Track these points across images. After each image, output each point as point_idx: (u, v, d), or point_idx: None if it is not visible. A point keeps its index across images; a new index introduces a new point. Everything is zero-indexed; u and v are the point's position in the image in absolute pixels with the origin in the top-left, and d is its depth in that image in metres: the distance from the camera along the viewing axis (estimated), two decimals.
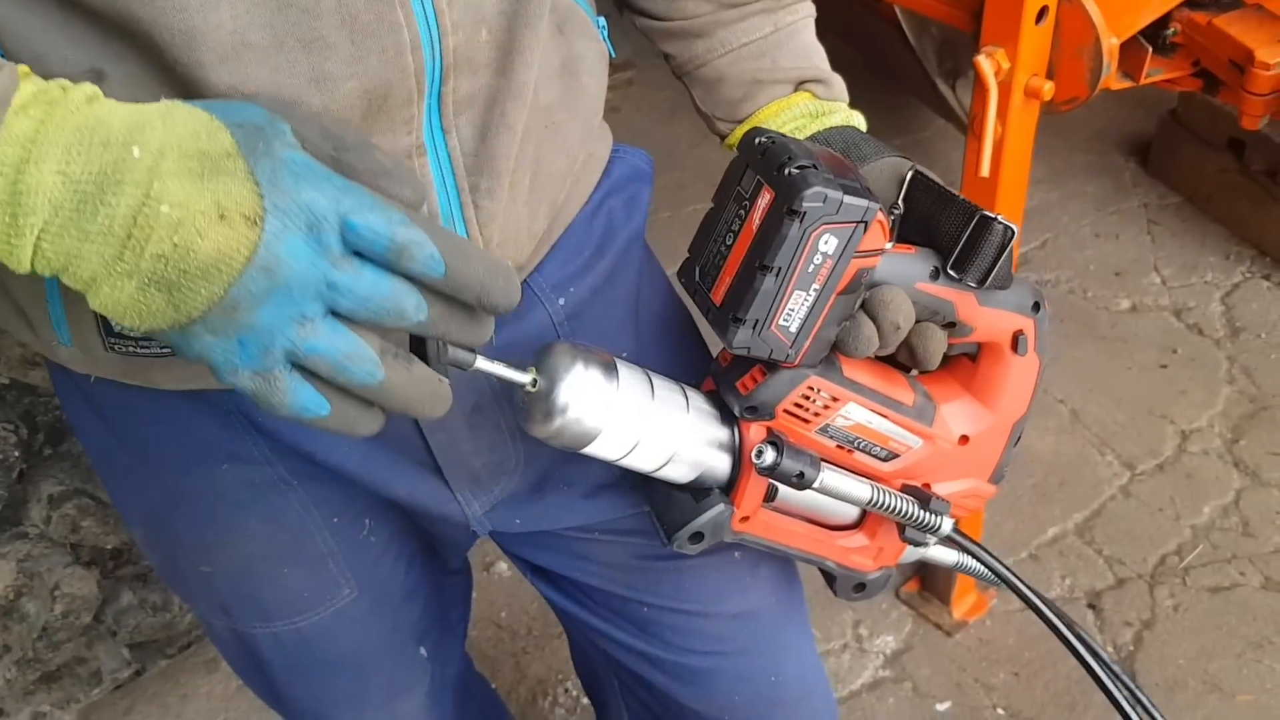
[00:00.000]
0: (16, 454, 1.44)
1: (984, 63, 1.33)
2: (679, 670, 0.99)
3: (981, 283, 0.76)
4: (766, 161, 0.69)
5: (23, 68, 0.53)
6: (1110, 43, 1.32)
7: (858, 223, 0.68)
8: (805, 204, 0.66)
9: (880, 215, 0.70)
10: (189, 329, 0.54)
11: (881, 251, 0.72)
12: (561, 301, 0.85)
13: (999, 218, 0.73)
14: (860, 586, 0.91)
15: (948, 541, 0.88)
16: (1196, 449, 2.18)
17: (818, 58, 0.89)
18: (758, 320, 0.70)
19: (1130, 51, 1.39)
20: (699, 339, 0.95)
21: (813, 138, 0.84)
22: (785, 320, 0.70)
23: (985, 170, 1.36)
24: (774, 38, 0.87)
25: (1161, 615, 1.91)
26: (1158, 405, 2.26)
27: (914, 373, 0.86)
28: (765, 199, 0.69)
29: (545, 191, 0.79)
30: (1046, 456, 2.19)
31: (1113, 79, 1.35)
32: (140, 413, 0.81)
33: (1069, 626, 0.93)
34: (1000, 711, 1.80)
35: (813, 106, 0.87)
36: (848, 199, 0.67)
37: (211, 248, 0.51)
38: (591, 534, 0.93)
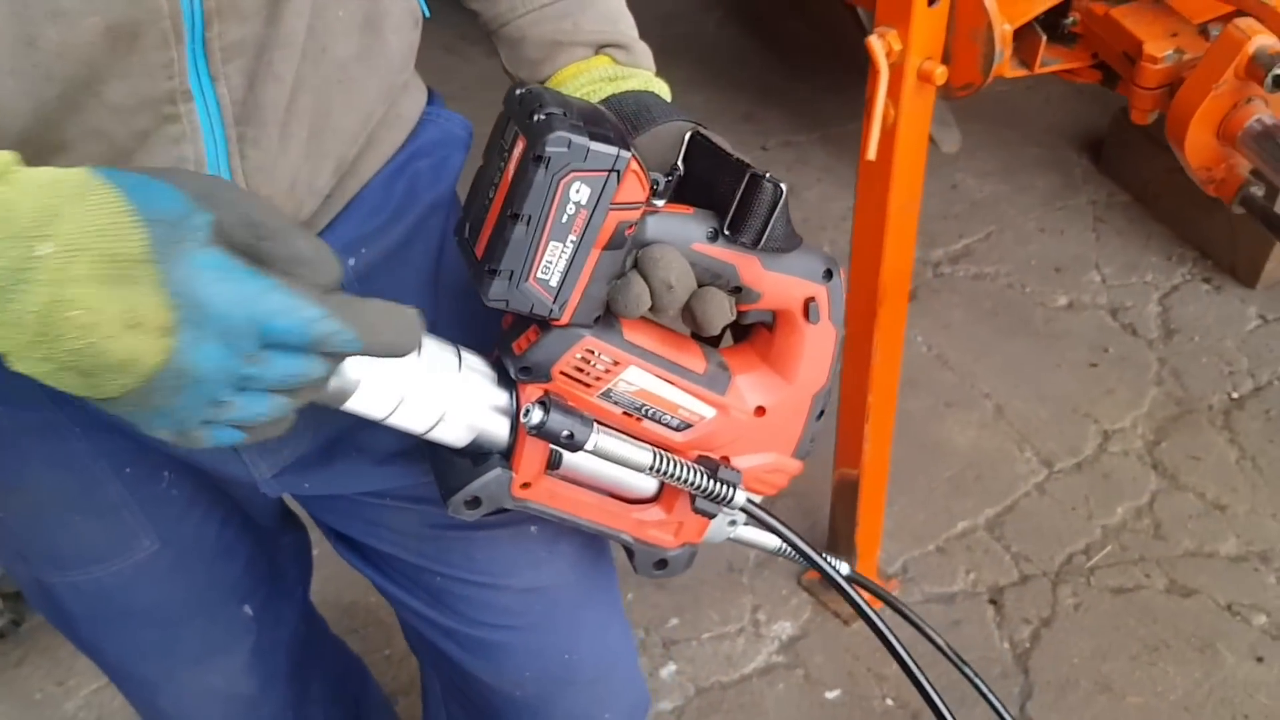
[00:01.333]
0: None
1: (875, 43, 1.31)
2: (470, 642, 0.98)
3: (756, 243, 0.74)
4: (521, 110, 0.68)
5: None
6: (1003, 29, 1.29)
7: (609, 171, 0.67)
8: (549, 149, 0.65)
9: (635, 164, 0.68)
10: (107, 402, 0.56)
11: (641, 204, 0.70)
12: (352, 261, 0.83)
13: (768, 175, 0.72)
14: (661, 563, 0.89)
15: (766, 526, 0.87)
16: (1117, 449, 2.16)
17: (623, 23, 0.87)
18: (513, 271, 0.68)
19: (1027, 39, 1.36)
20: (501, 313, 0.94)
21: (605, 101, 0.82)
22: (544, 273, 0.69)
23: (872, 153, 1.34)
24: (577, 0, 0.85)
25: (1062, 614, 1.90)
26: (1083, 404, 2.24)
27: (719, 347, 0.85)
28: (519, 148, 0.67)
29: (330, 146, 0.77)
30: (965, 450, 2.17)
31: (1006, 66, 1.33)
32: None
33: (882, 620, 0.93)
34: (889, 702, 1.79)
35: (611, 71, 0.85)
36: (595, 145, 0.66)
37: (123, 351, 0.53)
38: (384, 500, 0.92)
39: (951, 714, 0.95)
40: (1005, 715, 1.08)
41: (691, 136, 0.77)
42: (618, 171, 0.67)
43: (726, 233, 0.74)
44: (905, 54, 1.31)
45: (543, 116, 0.66)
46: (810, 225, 2.61)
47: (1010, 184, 2.76)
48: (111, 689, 1.85)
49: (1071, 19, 1.37)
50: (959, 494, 2.09)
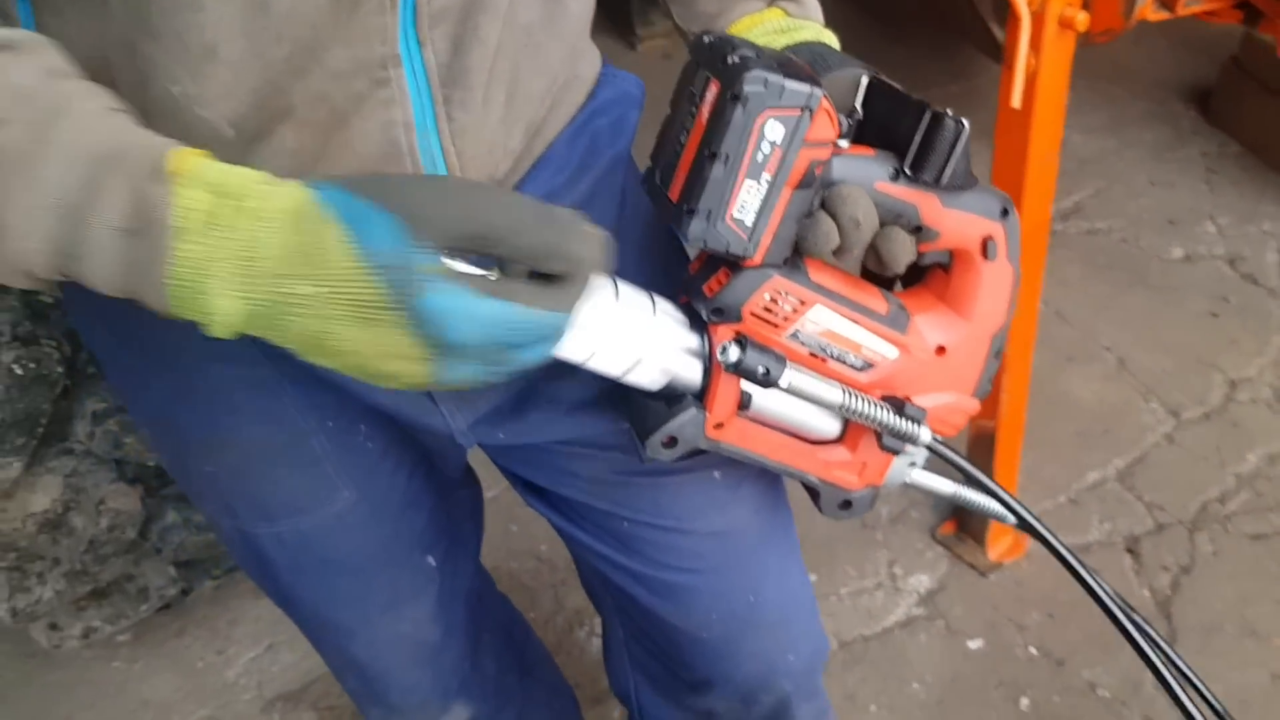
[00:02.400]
0: (60, 370, 1.49)
1: None
2: (657, 585, 1.02)
3: (938, 180, 0.76)
4: (712, 55, 0.71)
5: (176, 158, 0.59)
6: None
7: (802, 109, 0.69)
8: (746, 88, 0.67)
9: (826, 103, 0.70)
10: None
11: (831, 143, 0.72)
12: None
13: (949, 112, 0.74)
14: (846, 504, 0.91)
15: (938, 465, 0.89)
16: (1245, 398, 2.15)
17: None
18: (710, 210, 0.71)
19: None
20: (684, 262, 0.97)
21: (787, 49, 0.85)
22: (739, 212, 0.71)
23: (1016, 101, 1.35)
24: None
25: (1201, 561, 1.90)
26: (1207, 354, 2.23)
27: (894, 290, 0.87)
28: (713, 91, 0.70)
29: (522, 109, 0.82)
30: (1091, 403, 2.17)
31: (1149, 9, 1.34)
32: (135, 313, 0.85)
33: (1073, 555, 0.94)
34: (1032, 650, 1.81)
35: (784, 23, 0.88)
36: (789, 83, 0.68)
37: (389, 370, 0.61)
38: (574, 448, 0.96)
39: (1154, 638, 0.96)
40: (1165, 649, 1.07)
41: (869, 81, 0.79)
42: (810, 109, 0.70)
43: (908, 172, 0.76)
44: (1046, 1, 1.32)
45: (737, 59, 0.69)
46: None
47: (1118, 139, 2.74)
48: (269, 655, 1.93)
49: None
50: (1088, 446, 2.09)
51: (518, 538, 2.06)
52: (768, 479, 1.03)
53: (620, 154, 0.94)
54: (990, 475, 1.83)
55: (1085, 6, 1.35)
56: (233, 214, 0.59)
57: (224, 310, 0.59)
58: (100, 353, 0.91)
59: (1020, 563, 1.93)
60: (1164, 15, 1.39)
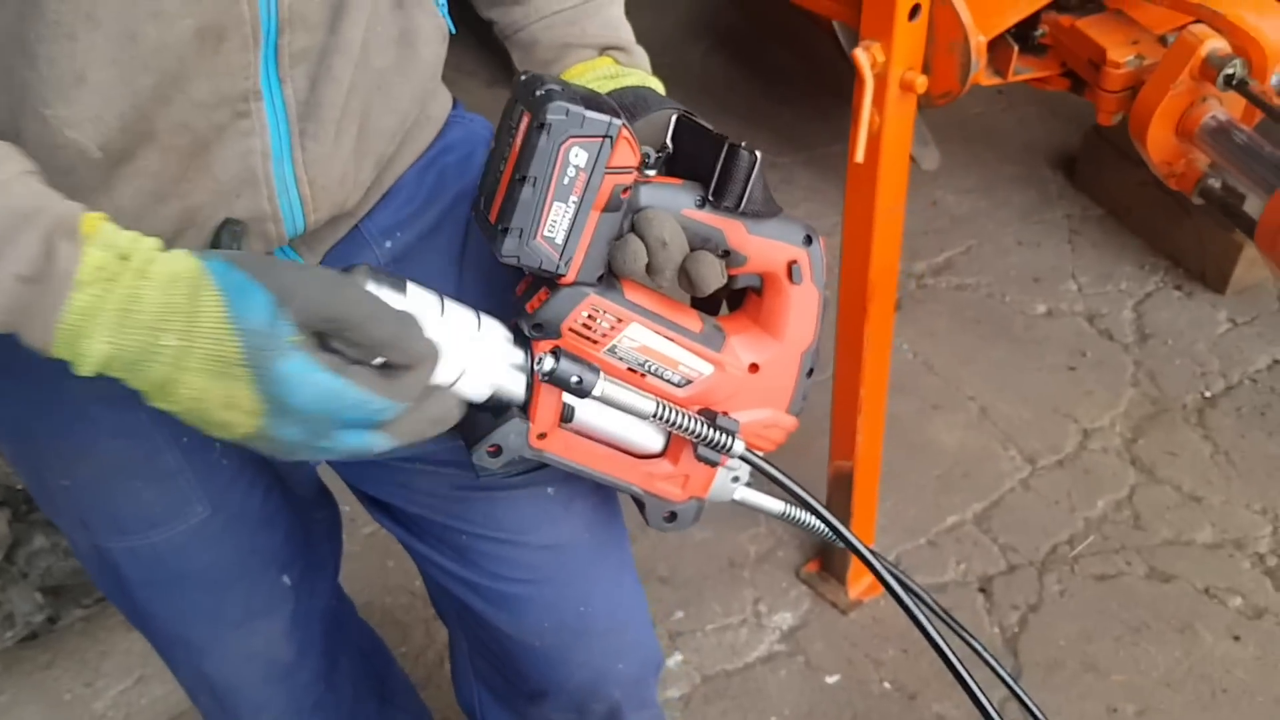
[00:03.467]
0: None
1: (861, 55, 1.42)
2: (492, 595, 1.07)
3: (738, 206, 0.83)
4: (525, 90, 0.78)
5: (88, 222, 0.67)
6: (979, 40, 1.40)
7: (603, 137, 0.76)
8: (550, 116, 0.75)
9: (626, 132, 0.77)
10: None
11: (633, 169, 0.79)
12: (388, 244, 0.94)
13: (745, 144, 0.82)
14: (671, 516, 0.97)
15: (760, 477, 0.95)
16: (1096, 446, 2.26)
17: (624, 30, 0.99)
18: (522, 229, 0.77)
19: (1000, 50, 1.47)
20: None
21: (610, 94, 0.92)
22: (550, 231, 0.78)
23: (860, 156, 1.45)
24: (583, 8, 0.97)
25: (1048, 600, 1.99)
26: (1063, 404, 2.35)
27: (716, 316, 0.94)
28: (524, 121, 0.77)
29: (373, 144, 0.88)
30: (953, 449, 2.27)
31: (982, 75, 1.44)
32: None
33: (894, 574, 1.01)
34: (887, 685, 1.88)
35: (612, 69, 0.96)
36: (590, 113, 0.76)
37: (223, 419, 0.69)
38: (413, 464, 1.01)
39: (966, 670, 1.02)
40: (1001, 672, 1.15)
41: (677, 118, 0.87)
42: (611, 137, 0.77)
43: (711, 199, 0.83)
44: (888, 65, 1.42)
45: (543, 91, 0.76)
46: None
47: (988, 200, 2.88)
48: (139, 688, 1.93)
49: (1041, 30, 1.48)
50: (948, 490, 2.19)
51: (394, 573, 2.08)
52: (602, 496, 1.09)
53: (466, 189, 1.00)
54: (848, 514, 1.91)
55: (925, 70, 1.46)
56: (126, 273, 0.66)
57: (94, 353, 0.66)
58: None
59: (879, 600, 2.00)
60: (997, 80, 1.49)
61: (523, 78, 0.79)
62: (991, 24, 1.43)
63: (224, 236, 0.73)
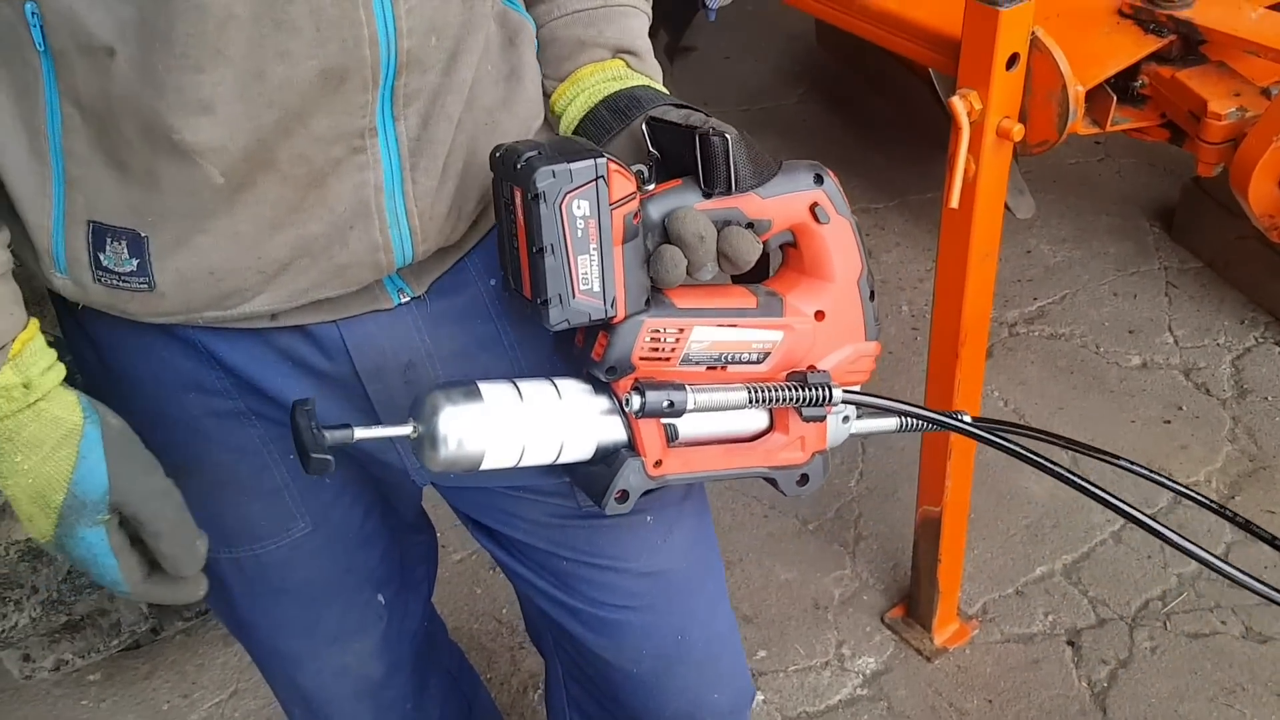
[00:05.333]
0: None
1: (958, 103, 1.44)
2: (592, 621, 1.09)
3: (730, 188, 0.85)
4: (506, 167, 0.81)
5: (19, 341, 0.83)
6: (1077, 90, 1.42)
7: (594, 180, 0.79)
8: (539, 184, 0.78)
9: (614, 166, 0.80)
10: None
11: (634, 196, 0.82)
12: (492, 282, 0.97)
13: (712, 129, 0.84)
14: (804, 479, 0.97)
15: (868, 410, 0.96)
16: (1192, 502, 2.22)
17: (640, 40, 1.02)
18: (560, 295, 0.81)
19: (1099, 100, 1.48)
20: None
21: (610, 96, 0.96)
22: (585, 285, 0.81)
23: (955, 202, 1.46)
24: (602, 12, 1.00)
25: (1139, 656, 1.96)
26: (1158, 458, 2.31)
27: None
28: (518, 196, 0.81)
29: (478, 179, 0.92)
30: (1042, 499, 2.25)
31: (1080, 125, 1.45)
32: (120, 341, 0.94)
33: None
34: None
35: (621, 71, 0.99)
36: (575, 165, 0.79)
37: (24, 520, 0.88)
38: (518, 493, 1.04)
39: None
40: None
41: (648, 123, 0.90)
42: (602, 177, 0.80)
43: (707, 189, 0.85)
44: (985, 113, 1.44)
45: (523, 163, 0.79)
46: (889, 286, 2.72)
47: (1084, 250, 2.86)
48: (233, 701, 1.99)
49: (1140, 81, 1.48)
50: (1036, 540, 2.17)
51: (481, 599, 2.13)
52: (699, 524, 1.12)
53: None
54: (936, 560, 1.91)
55: (1022, 119, 1.47)
56: (20, 403, 0.83)
57: None
58: (85, 376, 1.00)
59: (964, 649, 1.99)
60: (1095, 130, 1.50)
61: (497, 155, 0.83)
62: (1090, 74, 1.44)
63: (298, 416, 0.81)
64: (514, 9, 0.97)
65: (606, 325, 0.84)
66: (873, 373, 0.98)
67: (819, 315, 0.92)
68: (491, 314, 1.00)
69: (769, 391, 0.89)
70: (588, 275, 0.81)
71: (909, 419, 0.98)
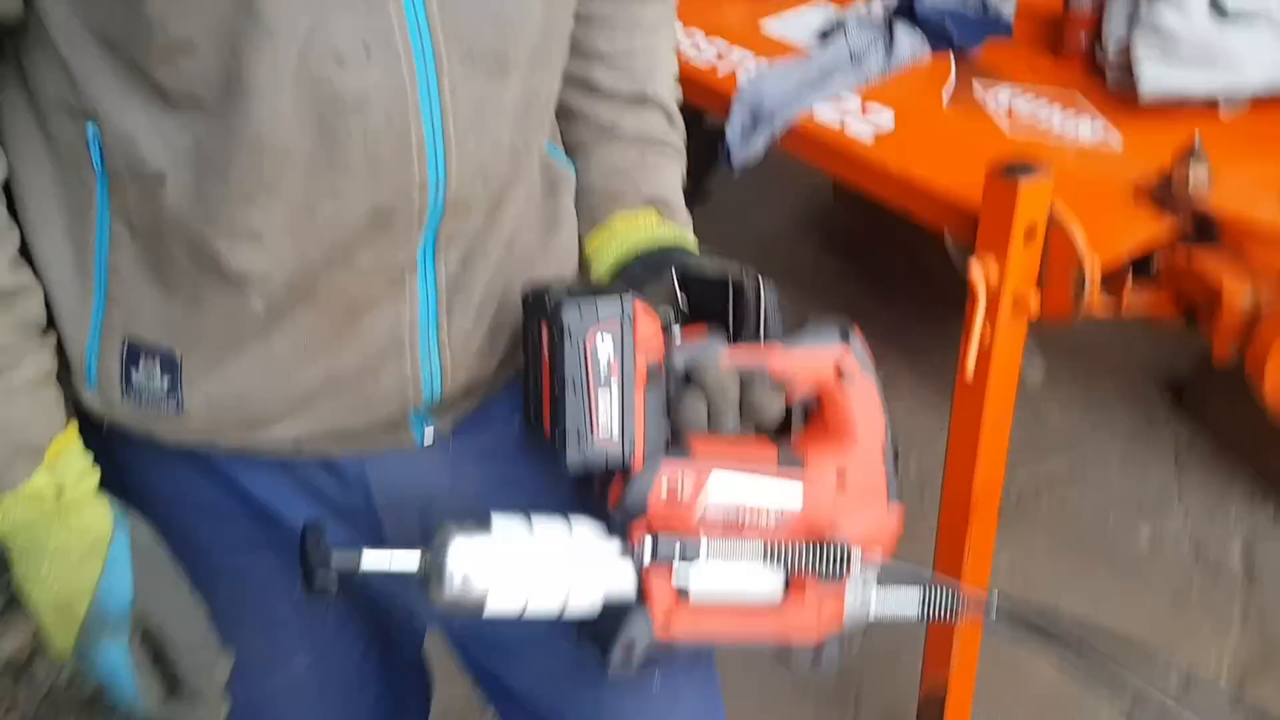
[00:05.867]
0: None
1: (975, 272, 1.45)
2: None
3: (759, 337, 0.85)
4: (534, 303, 0.82)
5: (54, 447, 0.84)
6: (1094, 269, 1.42)
7: (620, 318, 0.79)
8: (566, 319, 0.78)
9: (640, 306, 0.80)
10: None
11: (661, 339, 0.82)
12: (518, 424, 0.96)
13: (747, 275, 0.85)
14: (816, 658, 0.92)
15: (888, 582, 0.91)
16: (1203, 689, 2.16)
17: (674, 193, 1.05)
18: (579, 431, 0.79)
19: (1115, 278, 1.49)
20: None
21: (642, 248, 0.98)
22: (604, 428, 0.80)
23: (970, 372, 1.46)
24: (640, 166, 1.03)
25: None
26: (1167, 639, 2.25)
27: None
28: (545, 333, 0.81)
29: (511, 321, 0.92)
30: (1051, 676, 2.17)
31: (1096, 302, 1.45)
32: (139, 461, 0.93)
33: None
34: None
35: (654, 223, 1.01)
36: (601, 302, 0.79)
37: (45, 628, 0.87)
38: (525, 636, 1.01)
39: None
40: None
41: (678, 270, 0.90)
42: (628, 315, 0.79)
43: (735, 338, 0.85)
44: (1002, 283, 1.45)
45: (551, 299, 0.80)
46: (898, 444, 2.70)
47: (1093, 417, 2.84)
48: None
49: (1156, 262, 1.50)
50: (1044, 718, 2.10)
51: None
52: (707, 691, 1.08)
53: None
54: None
55: (1039, 287, 1.48)
56: (50, 509, 0.82)
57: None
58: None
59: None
60: (1110, 310, 1.50)
61: (526, 297, 0.83)
62: (1107, 252, 1.45)
63: (308, 535, 0.79)
64: (557, 160, 0.99)
65: (624, 470, 0.83)
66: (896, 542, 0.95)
67: (840, 476, 0.90)
68: (516, 455, 0.99)
69: (785, 551, 0.87)
70: (608, 414, 0.80)
71: (928, 608, 0.95)
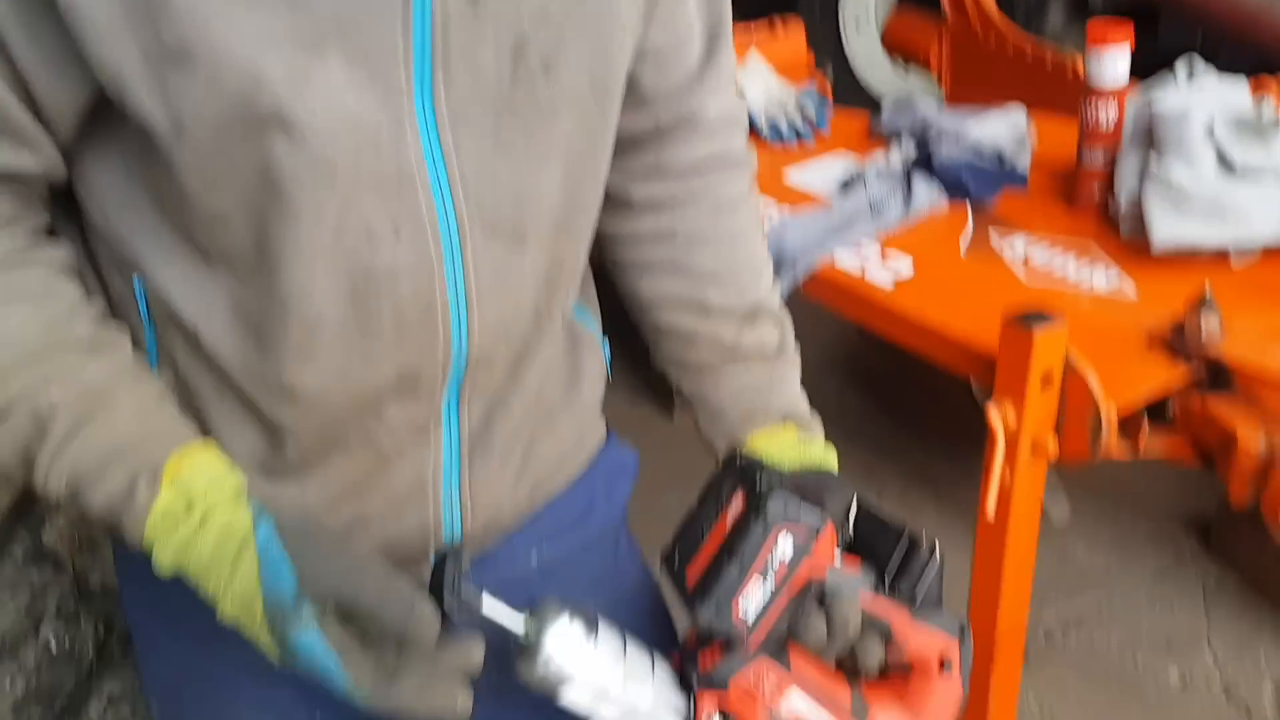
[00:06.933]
0: (91, 652, 1.60)
1: (993, 415, 1.49)
2: None
3: (912, 599, 0.88)
4: (743, 474, 0.86)
5: (173, 464, 0.81)
6: (1110, 411, 1.47)
7: (813, 529, 0.83)
8: (770, 505, 0.82)
9: (830, 529, 0.85)
10: None
11: (829, 561, 0.86)
12: (534, 553, 1.01)
13: (923, 542, 0.88)
14: None
15: None
16: None
17: (803, 402, 1.09)
18: (719, 601, 0.84)
19: (1132, 423, 1.53)
20: (667, 617, 1.09)
21: (794, 471, 0.99)
22: (744, 607, 0.84)
23: (991, 514, 1.49)
24: (769, 383, 1.06)
25: None
26: None
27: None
28: (739, 503, 0.85)
29: (533, 469, 0.97)
30: None
31: (1114, 446, 1.49)
32: (173, 588, 0.97)
33: None
34: None
35: (796, 438, 1.04)
36: (805, 508, 0.83)
37: (251, 637, 0.81)
38: None
39: None
40: None
41: (859, 505, 0.94)
42: (818, 530, 0.84)
43: (888, 588, 0.89)
44: (1020, 428, 1.49)
45: (764, 476, 0.84)
46: None
47: (1120, 555, 2.84)
48: None
49: (1171, 408, 1.53)
50: None
51: None
52: None
53: (614, 512, 1.09)
54: None
55: (1058, 430, 1.51)
56: (186, 522, 0.79)
57: (164, 565, 0.81)
58: (132, 616, 1.03)
59: None
60: (1128, 454, 1.54)
61: (739, 462, 0.88)
62: (1122, 399, 1.49)
63: (448, 560, 0.81)
64: (580, 320, 1.04)
65: (728, 643, 0.87)
66: None
67: None
68: (534, 587, 1.02)
69: None
70: (751, 601, 0.84)
71: None
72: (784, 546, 0.83)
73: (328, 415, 0.85)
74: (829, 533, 0.85)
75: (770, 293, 1.10)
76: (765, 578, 0.83)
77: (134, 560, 0.98)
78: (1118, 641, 2.58)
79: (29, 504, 1.57)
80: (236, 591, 0.79)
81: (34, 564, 1.57)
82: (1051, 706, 2.40)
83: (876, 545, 0.91)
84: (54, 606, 1.59)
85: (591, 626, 0.84)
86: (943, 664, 0.91)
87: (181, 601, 0.97)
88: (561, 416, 1.01)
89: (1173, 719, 2.37)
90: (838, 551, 0.90)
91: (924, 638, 0.90)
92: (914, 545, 0.89)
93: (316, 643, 0.76)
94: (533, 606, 0.85)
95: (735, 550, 0.83)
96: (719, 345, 1.05)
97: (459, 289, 0.84)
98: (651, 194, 1.03)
